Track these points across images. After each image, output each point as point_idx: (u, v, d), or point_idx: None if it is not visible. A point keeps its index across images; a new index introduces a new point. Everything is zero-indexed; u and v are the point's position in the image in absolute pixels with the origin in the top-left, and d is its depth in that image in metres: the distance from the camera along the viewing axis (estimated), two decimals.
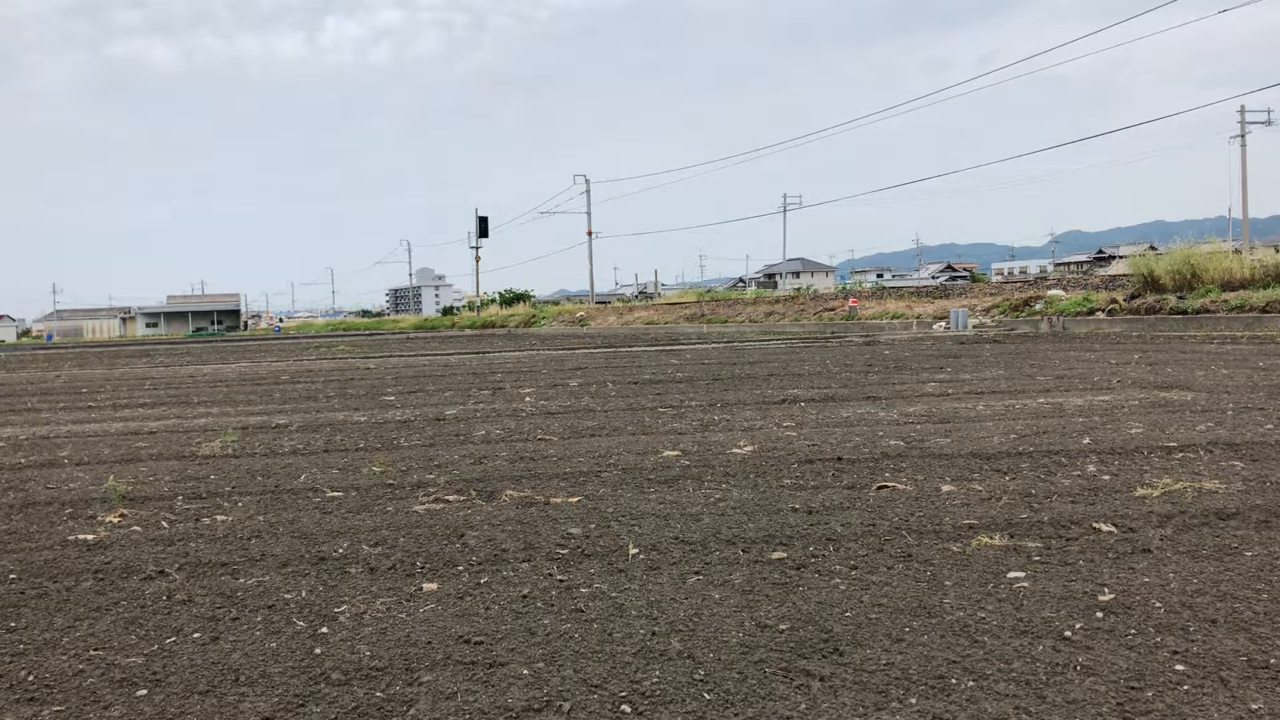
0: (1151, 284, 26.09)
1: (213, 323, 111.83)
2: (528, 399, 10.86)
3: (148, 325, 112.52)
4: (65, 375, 20.01)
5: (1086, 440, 6.46)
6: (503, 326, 60.32)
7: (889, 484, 5.20)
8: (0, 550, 4.41)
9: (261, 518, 4.91)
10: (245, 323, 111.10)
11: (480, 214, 76.41)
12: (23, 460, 7.31)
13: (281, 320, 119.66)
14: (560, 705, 2.58)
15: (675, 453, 6.51)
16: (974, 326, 27.09)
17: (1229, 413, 7.62)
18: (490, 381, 13.88)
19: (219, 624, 3.30)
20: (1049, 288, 32.24)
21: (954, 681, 2.64)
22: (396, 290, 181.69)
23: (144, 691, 2.75)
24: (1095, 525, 4.19)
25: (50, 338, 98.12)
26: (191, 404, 11.91)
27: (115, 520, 4.93)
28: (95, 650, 3.08)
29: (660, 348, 23.39)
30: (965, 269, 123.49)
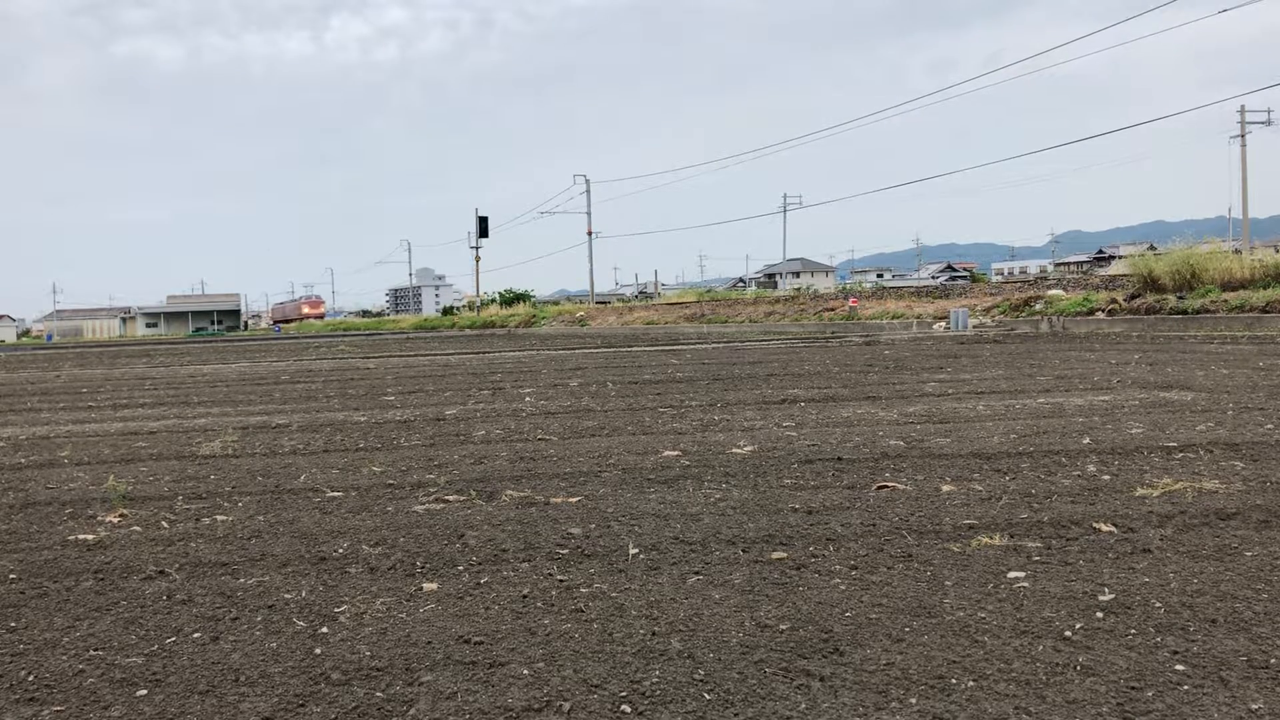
0: (1151, 284, 26.09)
1: (213, 323, 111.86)
2: (528, 399, 10.86)
3: (148, 325, 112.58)
4: (65, 375, 20.01)
5: (1086, 440, 6.46)
6: (503, 326, 60.30)
7: (889, 484, 5.20)
8: (0, 550, 4.41)
9: (261, 518, 4.91)
10: (245, 323, 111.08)
11: (480, 214, 76.48)
12: (23, 460, 7.31)
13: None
14: (560, 705, 2.58)
15: (675, 453, 6.51)
16: (974, 326, 27.09)
17: (1229, 413, 7.62)
18: (490, 381, 13.88)
19: (219, 624, 3.30)
20: (1049, 288, 32.25)
21: (954, 681, 2.64)
22: (396, 290, 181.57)
23: (144, 691, 2.75)
24: (1095, 525, 4.19)
25: (50, 338, 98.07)
26: (191, 404, 11.91)
27: (115, 520, 4.93)
28: (95, 650, 3.08)
29: (660, 348, 23.38)
30: (965, 269, 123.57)
